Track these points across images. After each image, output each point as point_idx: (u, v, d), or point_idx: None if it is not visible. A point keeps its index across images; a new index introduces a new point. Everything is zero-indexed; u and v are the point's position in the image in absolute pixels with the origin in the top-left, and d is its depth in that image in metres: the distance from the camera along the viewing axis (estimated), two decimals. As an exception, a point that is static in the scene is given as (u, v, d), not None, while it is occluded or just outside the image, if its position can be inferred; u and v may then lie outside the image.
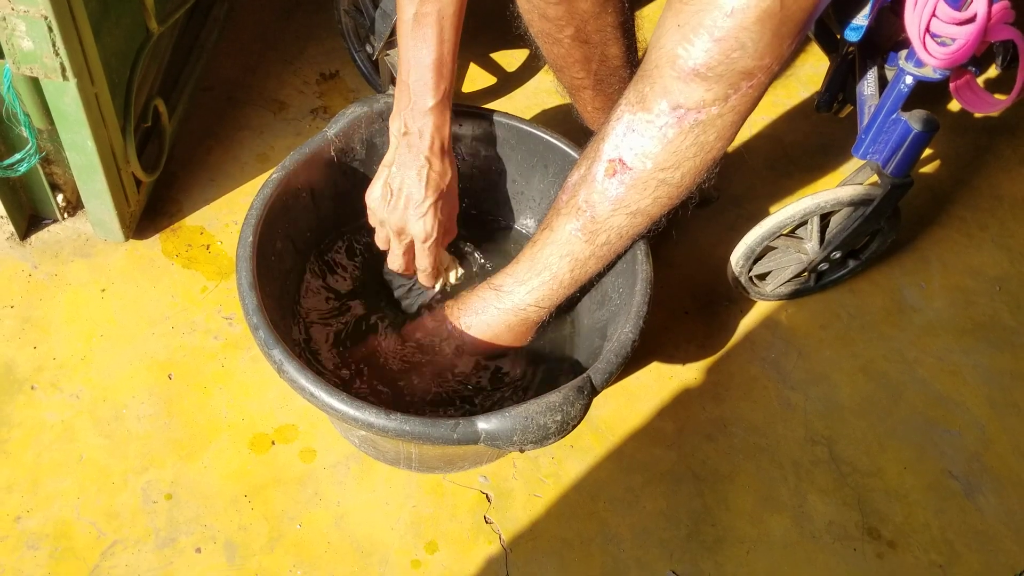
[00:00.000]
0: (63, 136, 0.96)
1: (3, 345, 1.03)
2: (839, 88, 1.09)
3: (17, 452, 0.96)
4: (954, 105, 1.41)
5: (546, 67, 1.16)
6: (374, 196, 0.92)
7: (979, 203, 1.31)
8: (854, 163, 1.29)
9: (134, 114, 1.04)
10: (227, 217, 1.17)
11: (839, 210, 1.06)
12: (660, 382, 1.09)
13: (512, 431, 0.76)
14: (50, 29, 0.82)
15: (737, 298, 1.17)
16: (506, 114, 1.01)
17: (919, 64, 0.92)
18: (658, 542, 0.97)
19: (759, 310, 1.17)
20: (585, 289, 0.93)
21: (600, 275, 0.91)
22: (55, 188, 1.09)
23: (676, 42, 0.74)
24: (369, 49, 1.26)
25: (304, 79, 1.34)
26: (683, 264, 1.20)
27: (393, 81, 1.27)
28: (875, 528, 1.00)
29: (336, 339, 1.00)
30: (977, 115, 1.41)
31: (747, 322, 1.15)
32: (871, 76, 1.02)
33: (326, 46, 1.37)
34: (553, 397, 0.78)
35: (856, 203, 1.05)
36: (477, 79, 1.37)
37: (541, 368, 0.99)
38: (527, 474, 1.00)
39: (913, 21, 0.84)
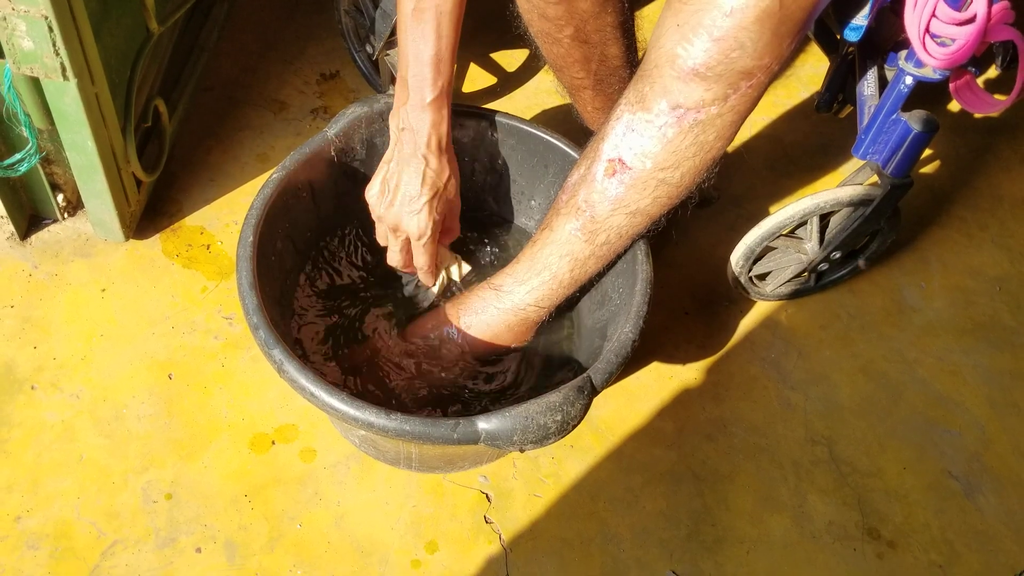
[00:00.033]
0: (63, 136, 0.96)
1: (3, 345, 1.03)
2: (839, 88, 1.09)
3: (17, 452, 0.96)
4: (954, 105, 1.41)
5: (546, 67, 1.16)
6: (372, 192, 0.92)
7: (979, 203, 1.31)
8: (854, 163, 1.29)
9: (134, 114, 1.04)
10: (227, 217, 1.17)
11: (839, 210, 1.06)
12: (660, 382, 1.09)
13: (512, 431, 0.76)
14: (50, 29, 0.82)
15: (737, 298, 1.17)
16: (506, 114, 1.01)
17: (919, 64, 0.92)
18: (658, 542, 0.97)
19: (759, 310, 1.17)
20: (585, 289, 0.93)
21: (600, 275, 0.91)
22: (55, 188, 1.09)
23: (675, 42, 0.74)
24: (369, 49, 1.26)
25: (304, 79, 1.34)
26: (683, 264, 1.20)
27: (393, 81, 1.27)
28: (875, 528, 1.00)
29: (336, 339, 1.00)
30: (977, 115, 1.41)
31: (747, 322, 1.15)
32: (871, 76, 1.02)
33: (326, 46, 1.37)
34: (553, 397, 0.78)
35: (856, 203, 1.05)
36: (477, 79, 1.37)
37: (541, 368, 0.99)
38: (527, 474, 1.00)
39: (913, 21, 0.85)
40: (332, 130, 0.96)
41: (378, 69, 1.27)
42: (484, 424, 0.76)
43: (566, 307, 0.95)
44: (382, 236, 0.95)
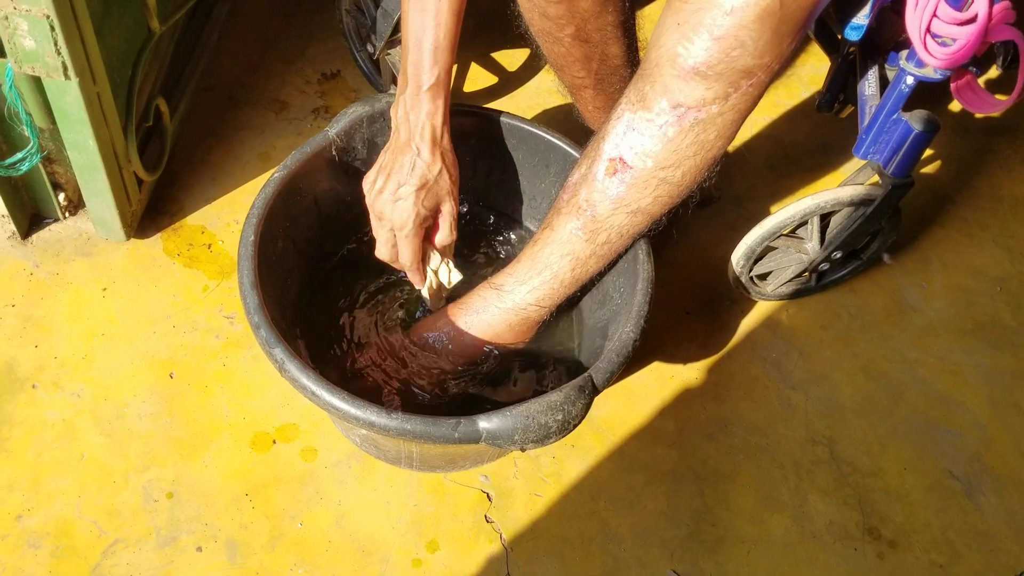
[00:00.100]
0: (65, 135, 0.96)
1: (4, 344, 1.03)
2: (840, 88, 1.09)
3: (18, 451, 0.96)
4: (955, 105, 1.41)
5: (547, 66, 1.16)
6: (367, 180, 0.91)
7: (980, 203, 1.31)
8: (855, 163, 1.29)
9: (136, 113, 1.04)
10: (228, 216, 1.17)
11: (840, 210, 1.06)
12: (661, 382, 1.09)
13: (513, 430, 0.76)
14: (52, 28, 0.82)
15: (738, 298, 1.17)
16: (507, 114, 1.01)
17: (920, 64, 0.92)
18: (659, 541, 0.97)
19: (760, 310, 1.17)
20: (586, 288, 0.93)
21: (601, 274, 0.91)
22: (57, 187, 1.09)
23: (676, 41, 0.74)
24: (370, 49, 1.27)
25: (305, 79, 1.34)
26: (684, 264, 1.20)
27: (395, 80, 1.27)
28: (876, 528, 1.00)
29: (338, 338, 1.00)
30: (978, 115, 1.41)
31: (748, 322, 1.15)
32: (872, 76, 1.02)
33: (327, 46, 1.38)
34: (554, 396, 0.78)
35: (857, 203, 1.05)
36: (478, 79, 1.37)
37: (542, 367, 0.99)
38: (528, 473, 1.00)
39: (914, 21, 0.85)
40: (333, 129, 0.96)
41: (379, 69, 1.28)
42: (485, 423, 0.76)
43: (567, 306, 0.95)
44: (375, 227, 0.95)
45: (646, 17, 1.43)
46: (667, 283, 1.15)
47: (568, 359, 1.01)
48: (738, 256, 1.10)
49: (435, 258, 0.95)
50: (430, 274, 0.95)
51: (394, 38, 1.19)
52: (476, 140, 1.01)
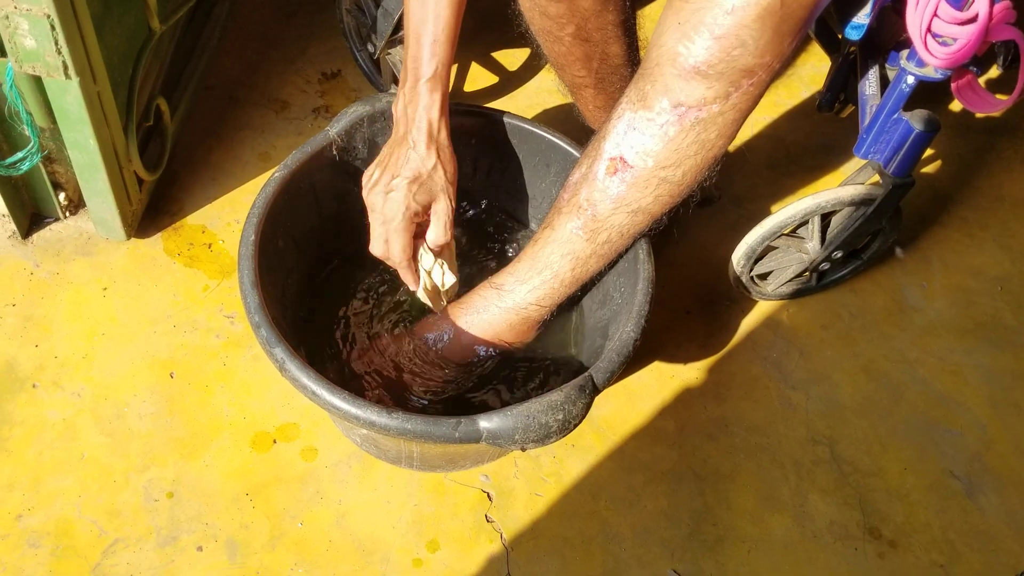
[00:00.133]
0: (65, 135, 0.96)
1: (5, 343, 1.03)
2: (840, 88, 1.09)
3: (19, 450, 0.96)
4: (955, 105, 1.41)
5: (547, 66, 1.15)
6: (366, 174, 0.90)
7: (980, 203, 1.31)
8: (855, 163, 1.29)
9: (136, 113, 1.04)
10: (229, 216, 1.17)
11: (840, 210, 1.06)
12: (661, 381, 1.09)
13: (514, 430, 0.76)
14: (53, 28, 0.82)
15: (738, 298, 1.17)
16: (508, 113, 1.01)
17: (921, 64, 0.92)
18: (659, 541, 0.97)
19: (760, 310, 1.17)
20: (586, 288, 0.93)
21: (601, 274, 0.91)
22: (57, 186, 1.09)
23: (677, 40, 0.74)
24: (371, 48, 1.27)
25: (306, 78, 1.34)
26: (685, 264, 1.20)
27: (395, 80, 1.27)
28: (876, 528, 1.00)
29: (339, 338, 1.00)
30: (979, 115, 1.41)
31: (748, 322, 1.15)
32: (873, 76, 1.02)
33: (328, 45, 1.38)
34: (555, 396, 0.78)
35: (857, 203, 1.05)
36: (479, 78, 1.37)
37: (542, 367, 0.99)
38: (528, 473, 1.00)
39: (915, 21, 0.84)
40: (334, 129, 0.96)
41: (380, 68, 1.28)
42: (486, 423, 0.76)
43: (568, 306, 0.95)
44: (370, 221, 0.92)
45: (647, 16, 1.43)
46: (668, 283, 1.15)
47: (568, 359, 1.01)
48: (739, 256, 1.10)
49: (427, 257, 0.92)
50: (424, 275, 0.93)
51: (394, 37, 1.19)
52: (477, 140, 1.01)
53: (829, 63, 1.09)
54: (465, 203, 1.08)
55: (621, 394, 1.07)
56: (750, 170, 1.31)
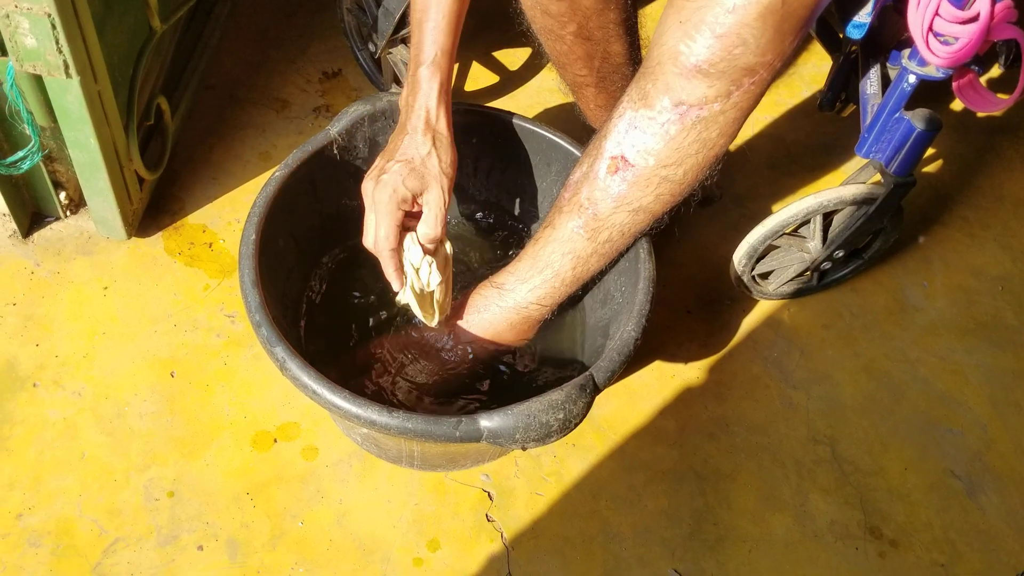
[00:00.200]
0: (66, 134, 0.96)
1: (5, 342, 1.03)
2: (842, 87, 1.09)
3: (19, 449, 0.96)
4: (957, 104, 1.41)
5: (549, 65, 1.16)
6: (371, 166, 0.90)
7: (981, 202, 1.31)
8: (857, 162, 1.29)
9: (137, 112, 1.04)
10: (229, 215, 1.17)
11: (842, 209, 1.06)
12: (662, 381, 1.09)
13: (514, 429, 0.76)
14: (53, 27, 0.82)
15: (739, 297, 1.17)
16: (509, 112, 1.01)
17: (922, 63, 0.92)
18: (660, 541, 0.97)
19: (761, 309, 1.17)
20: (587, 287, 0.93)
21: (602, 273, 0.91)
22: (58, 186, 1.09)
23: (678, 39, 0.74)
24: (372, 47, 1.27)
25: (307, 78, 1.34)
26: (686, 263, 1.20)
27: (396, 79, 1.27)
28: (877, 527, 1.00)
29: (340, 337, 1.00)
30: (980, 114, 1.41)
31: (749, 321, 1.15)
32: (874, 75, 1.02)
33: (329, 44, 1.38)
34: (555, 395, 0.78)
35: (859, 202, 1.04)
36: (479, 78, 1.37)
37: (543, 366, 0.99)
38: (529, 472, 1.00)
39: (916, 20, 0.84)
40: (334, 128, 0.96)
41: (380, 67, 1.27)
42: (486, 422, 0.76)
43: (568, 305, 0.94)
44: (366, 209, 0.90)
45: (648, 15, 1.43)
46: (668, 282, 1.15)
47: (569, 358, 1.01)
48: (740, 255, 1.10)
49: (415, 250, 0.86)
50: (411, 272, 0.87)
51: (395, 37, 1.19)
52: (478, 139, 1.01)
53: (830, 62, 1.09)
54: (465, 203, 1.08)
55: (622, 393, 1.07)
56: (751, 169, 1.31)
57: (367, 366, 0.96)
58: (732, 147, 0.91)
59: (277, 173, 0.91)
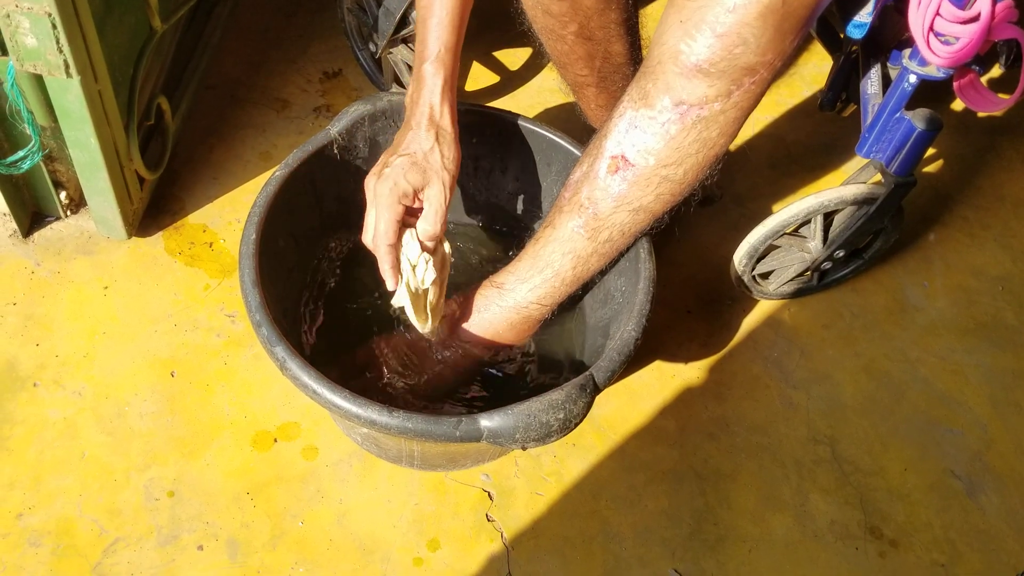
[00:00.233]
0: (66, 133, 0.96)
1: (6, 342, 1.03)
2: (842, 87, 1.09)
3: (19, 449, 0.96)
4: (958, 104, 1.41)
5: (549, 65, 1.16)
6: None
7: (982, 202, 1.31)
8: (857, 162, 1.29)
9: (137, 112, 1.04)
10: (230, 215, 1.17)
11: (842, 209, 1.06)
12: (662, 381, 1.09)
13: (515, 428, 0.76)
14: (54, 26, 0.82)
15: (740, 297, 1.17)
16: (509, 112, 1.01)
17: (923, 63, 0.92)
18: (660, 540, 0.97)
19: (762, 309, 1.17)
20: (587, 287, 0.93)
21: (603, 273, 0.91)
22: (58, 185, 1.09)
23: (678, 38, 0.74)
24: (372, 47, 1.27)
25: (307, 77, 1.34)
26: (686, 263, 1.20)
27: (396, 79, 1.27)
28: (877, 527, 1.00)
29: (339, 337, 1.00)
30: (981, 114, 1.41)
31: (750, 321, 1.15)
32: (875, 75, 1.02)
33: (329, 44, 1.38)
34: (556, 395, 0.78)
35: (859, 202, 1.04)
36: (480, 78, 1.37)
37: (543, 366, 0.99)
38: (529, 472, 1.00)
39: (917, 20, 0.84)
40: (335, 128, 0.96)
41: (381, 67, 1.27)
42: (487, 422, 0.76)
43: (569, 305, 0.94)
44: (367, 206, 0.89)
45: (649, 15, 1.42)
46: (669, 282, 1.15)
47: (569, 358, 1.01)
48: (740, 255, 1.10)
49: (413, 246, 0.85)
50: (407, 270, 0.85)
51: (396, 37, 1.19)
52: (478, 139, 1.01)
53: (831, 62, 1.09)
54: (464, 203, 1.08)
55: (622, 393, 1.07)
56: (752, 169, 1.31)
57: (367, 366, 0.96)
58: (732, 147, 0.92)
59: (277, 173, 0.91)
